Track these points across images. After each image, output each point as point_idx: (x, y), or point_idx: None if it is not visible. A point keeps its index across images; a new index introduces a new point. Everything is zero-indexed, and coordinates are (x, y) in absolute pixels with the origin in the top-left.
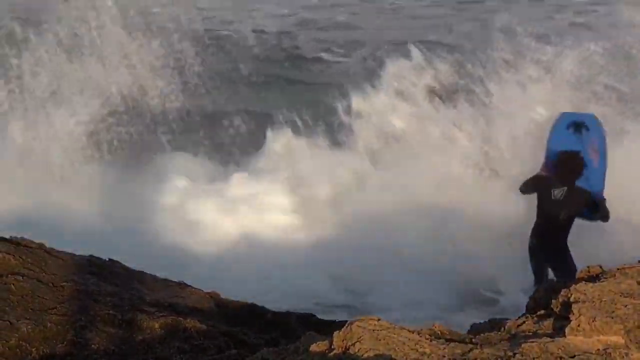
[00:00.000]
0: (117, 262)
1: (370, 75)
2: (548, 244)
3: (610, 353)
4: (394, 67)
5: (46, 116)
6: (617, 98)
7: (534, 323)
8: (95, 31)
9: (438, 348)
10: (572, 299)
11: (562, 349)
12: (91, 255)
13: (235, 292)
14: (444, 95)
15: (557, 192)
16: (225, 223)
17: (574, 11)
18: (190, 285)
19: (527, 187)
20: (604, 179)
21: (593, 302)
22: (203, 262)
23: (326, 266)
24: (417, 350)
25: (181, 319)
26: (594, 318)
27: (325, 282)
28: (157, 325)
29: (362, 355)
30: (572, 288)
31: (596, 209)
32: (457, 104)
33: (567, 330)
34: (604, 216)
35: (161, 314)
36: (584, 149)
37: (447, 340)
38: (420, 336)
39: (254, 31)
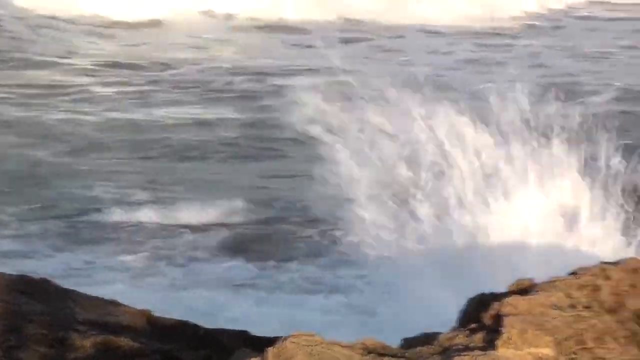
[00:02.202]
0: (49, 280)
1: None
2: None
3: None
4: None
5: None
6: None
7: (466, 336)
8: None
9: None
10: (502, 312)
11: None
12: (22, 274)
13: None
14: None
15: None
16: None
17: None
18: (122, 304)
19: None
20: None
21: (523, 315)
22: None
23: None
24: None
25: (113, 337)
26: (525, 331)
27: None
28: (89, 344)
29: None
30: (502, 301)
31: None
32: None
33: (498, 343)
34: None
35: (93, 333)
36: None
37: (379, 354)
38: (353, 351)
39: None
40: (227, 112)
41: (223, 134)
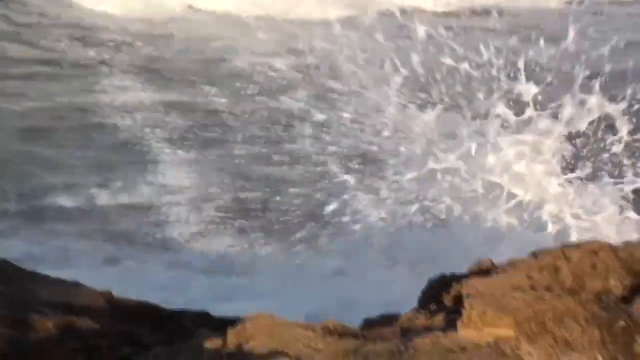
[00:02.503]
0: (8, 262)
1: None
2: None
3: (500, 346)
4: None
5: None
6: None
7: (426, 317)
8: None
9: (331, 344)
10: (463, 293)
11: (454, 342)
12: None
13: None
14: None
15: None
16: None
17: None
18: (83, 285)
19: None
20: None
21: (484, 296)
22: None
23: None
24: (310, 346)
25: (75, 318)
26: (485, 312)
27: None
28: (50, 325)
29: (256, 352)
30: (463, 282)
31: None
32: None
33: (458, 324)
34: None
35: (54, 314)
36: None
37: (340, 335)
38: (314, 332)
39: None
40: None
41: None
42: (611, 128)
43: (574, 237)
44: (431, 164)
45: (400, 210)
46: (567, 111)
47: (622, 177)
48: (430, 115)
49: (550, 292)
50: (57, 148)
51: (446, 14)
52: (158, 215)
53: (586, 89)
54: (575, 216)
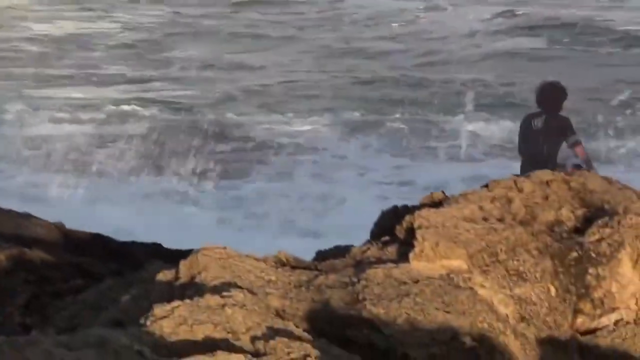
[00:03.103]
0: None
1: None
2: None
3: (453, 278)
4: None
5: None
6: None
7: (379, 249)
8: None
9: (283, 275)
10: (415, 225)
11: (406, 274)
12: None
13: None
14: None
15: (537, 121)
16: None
17: None
18: (35, 217)
19: (518, 134)
20: None
21: (436, 227)
22: None
23: None
24: (262, 278)
25: (26, 249)
26: (437, 243)
27: None
28: (3, 257)
29: (208, 284)
30: (415, 214)
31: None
32: None
33: (410, 256)
34: (576, 141)
35: (6, 246)
36: None
37: (292, 267)
38: (266, 264)
39: None
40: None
41: None
42: None
43: None
44: None
45: None
46: None
47: None
48: None
49: (503, 223)
50: None
51: None
52: None
53: None
54: None
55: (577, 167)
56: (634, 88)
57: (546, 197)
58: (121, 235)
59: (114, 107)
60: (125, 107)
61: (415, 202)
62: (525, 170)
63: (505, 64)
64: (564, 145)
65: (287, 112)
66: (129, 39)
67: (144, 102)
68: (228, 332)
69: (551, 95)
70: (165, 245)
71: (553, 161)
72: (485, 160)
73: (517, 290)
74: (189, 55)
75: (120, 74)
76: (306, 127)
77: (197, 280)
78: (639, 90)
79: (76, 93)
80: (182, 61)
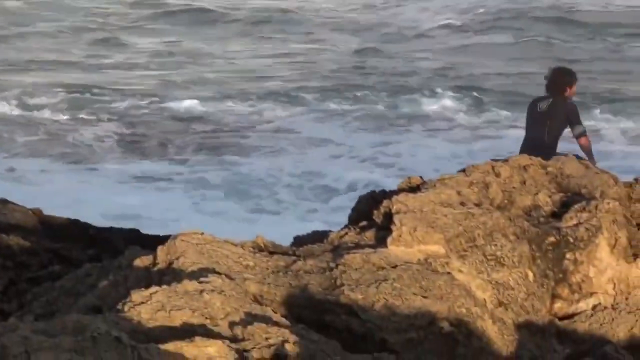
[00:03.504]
0: None
1: None
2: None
3: (431, 262)
4: None
5: None
6: None
7: (357, 234)
8: None
9: (261, 261)
10: (393, 210)
11: (384, 259)
12: None
13: None
14: None
15: (543, 104)
16: None
17: None
18: (12, 202)
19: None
20: None
21: (414, 212)
22: None
23: None
24: (240, 264)
25: (4, 235)
26: (415, 228)
27: None
28: None
29: (186, 270)
30: (393, 199)
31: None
32: None
33: (388, 240)
34: (582, 132)
35: None
36: None
37: (270, 252)
38: (244, 249)
39: None
40: None
41: None
42: None
43: None
44: None
45: None
46: None
47: None
48: None
49: (480, 208)
50: None
51: None
52: None
53: None
54: None
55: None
56: None
57: (524, 182)
58: (105, 218)
59: (69, 95)
60: (86, 94)
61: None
62: (524, 152)
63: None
64: (566, 132)
65: (249, 98)
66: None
67: (104, 88)
68: (206, 318)
69: (558, 79)
70: (147, 225)
71: (553, 145)
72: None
73: (494, 275)
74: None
75: (77, 61)
76: (278, 113)
77: (175, 266)
78: None
79: (35, 78)
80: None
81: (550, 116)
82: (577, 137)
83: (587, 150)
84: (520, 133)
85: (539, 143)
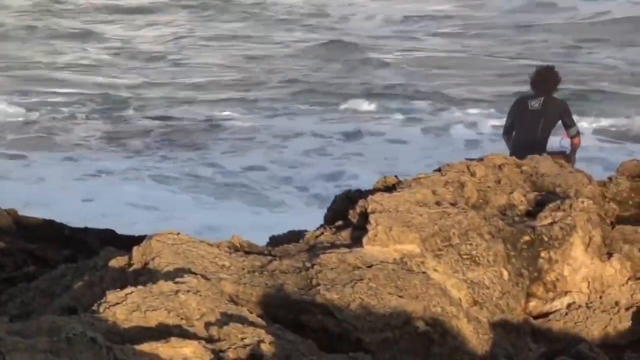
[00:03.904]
0: None
1: None
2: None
3: (406, 262)
4: None
5: None
6: None
7: (332, 234)
8: None
9: (237, 261)
10: (369, 209)
11: (360, 258)
12: None
13: None
14: None
15: (534, 102)
16: None
17: None
18: None
19: (508, 117)
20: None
21: (389, 211)
22: None
23: None
24: (216, 264)
25: None
26: (391, 228)
27: None
28: None
29: (162, 270)
30: (368, 198)
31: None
32: None
33: (364, 240)
34: (577, 133)
35: None
36: None
37: (246, 252)
38: (220, 249)
39: None
40: None
41: None
42: None
43: None
44: None
45: None
46: None
47: None
48: None
49: (456, 207)
50: None
51: None
52: None
53: None
54: None
55: (562, 154)
56: None
57: (498, 181)
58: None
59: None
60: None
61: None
62: (517, 153)
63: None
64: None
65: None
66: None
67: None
68: (182, 318)
69: (547, 78)
70: (126, 220)
71: (545, 142)
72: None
73: (470, 274)
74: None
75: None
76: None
77: (151, 266)
78: None
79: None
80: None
81: (544, 114)
82: (572, 137)
83: (576, 149)
84: None
85: (532, 141)
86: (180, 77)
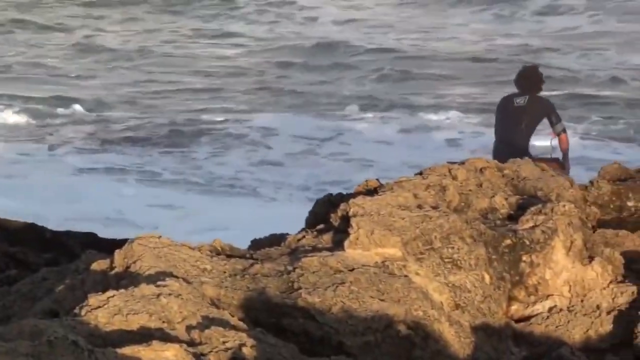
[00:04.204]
0: None
1: None
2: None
3: (388, 265)
4: None
5: None
6: None
7: (314, 237)
8: None
9: (219, 264)
10: (350, 213)
11: (341, 262)
12: None
13: None
14: None
15: (519, 100)
16: None
17: None
18: None
19: (495, 115)
20: None
21: (371, 215)
22: None
23: None
24: (198, 267)
25: None
26: (372, 231)
27: None
28: None
29: (144, 273)
30: (350, 202)
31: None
32: None
33: (346, 243)
34: (563, 129)
35: None
36: None
37: (227, 256)
38: (201, 253)
39: None
40: None
41: None
42: None
43: None
44: None
45: None
46: None
47: None
48: None
49: (437, 211)
50: None
51: None
52: None
53: None
54: None
55: (555, 160)
56: None
57: (480, 185)
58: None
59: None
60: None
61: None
62: (499, 149)
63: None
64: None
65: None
66: None
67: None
68: (163, 322)
69: (533, 77)
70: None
71: (528, 141)
72: None
73: (451, 278)
74: None
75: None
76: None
77: (132, 269)
78: None
79: None
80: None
81: (528, 112)
82: (558, 134)
83: (566, 147)
84: None
85: (514, 137)
86: (149, 76)
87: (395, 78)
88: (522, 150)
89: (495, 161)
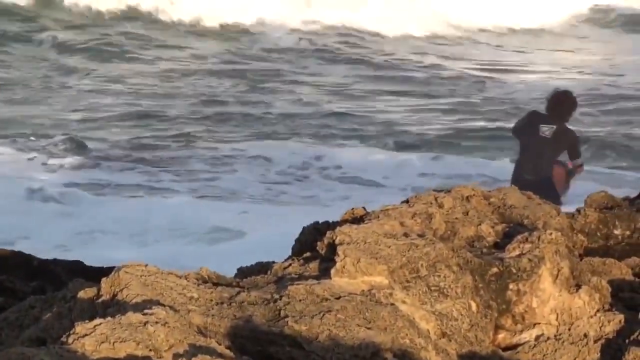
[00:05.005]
0: None
1: None
2: (531, 181)
3: (374, 294)
4: None
5: None
6: None
7: (300, 265)
8: None
9: (205, 292)
10: (337, 241)
11: (328, 290)
12: None
13: None
14: None
15: (546, 129)
16: None
17: None
18: None
19: (521, 122)
20: None
21: (357, 243)
22: None
23: None
24: (185, 295)
25: None
26: (359, 259)
27: None
28: None
29: (130, 301)
30: (336, 230)
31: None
32: None
33: (332, 272)
34: (580, 165)
35: None
36: None
37: (214, 284)
38: (188, 281)
39: None
40: None
41: None
42: None
43: None
44: None
45: None
46: None
47: None
48: None
49: (424, 239)
50: None
51: None
52: None
53: None
54: None
55: (564, 166)
56: None
57: (466, 213)
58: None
59: None
60: None
61: None
62: (520, 180)
63: None
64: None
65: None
66: None
67: None
68: (150, 350)
69: (565, 104)
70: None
71: (549, 168)
72: None
73: (438, 306)
74: None
75: None
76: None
77: (119, 297)
78: None
79: None
80: None
81: (551, 145)
82: (576, 167)
83: (574, 178)
84: None
85: (537, 168)
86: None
87: None
88: (546, 180)
89: (481, 189)
